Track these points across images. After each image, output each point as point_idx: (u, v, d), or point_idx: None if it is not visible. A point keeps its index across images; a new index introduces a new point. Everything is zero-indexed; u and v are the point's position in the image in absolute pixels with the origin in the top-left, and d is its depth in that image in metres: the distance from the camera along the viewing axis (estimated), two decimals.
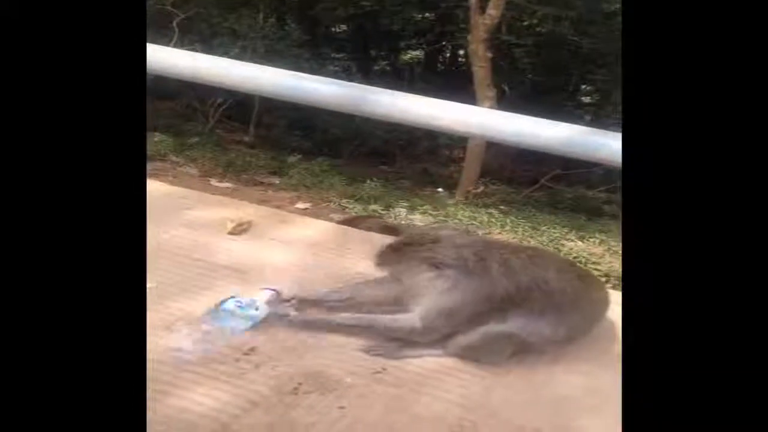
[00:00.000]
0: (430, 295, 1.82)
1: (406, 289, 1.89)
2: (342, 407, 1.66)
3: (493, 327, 1.81)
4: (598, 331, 1.99)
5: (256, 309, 1.92)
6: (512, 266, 1.82)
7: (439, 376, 1.80)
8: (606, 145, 2.06)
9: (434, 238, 1.90)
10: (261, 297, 1.96)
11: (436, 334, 1.83)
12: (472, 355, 1.84)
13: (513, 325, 1.80)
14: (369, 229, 2.78)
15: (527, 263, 1.84)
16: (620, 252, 3.72)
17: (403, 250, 1.90)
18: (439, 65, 7.83)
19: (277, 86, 2.09)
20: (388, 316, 1.90)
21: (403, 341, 1.86)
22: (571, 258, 3.27)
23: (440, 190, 5.17)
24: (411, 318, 1.85)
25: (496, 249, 1.90)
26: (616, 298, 2.39)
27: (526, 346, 1.84)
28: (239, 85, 2.17)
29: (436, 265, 1.81)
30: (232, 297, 1.96)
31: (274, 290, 1.99)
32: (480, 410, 1.70)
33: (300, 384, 1.73)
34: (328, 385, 1.74)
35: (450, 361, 1.85)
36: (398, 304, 1.93)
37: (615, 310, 2.06)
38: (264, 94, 2.25)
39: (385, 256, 1.92)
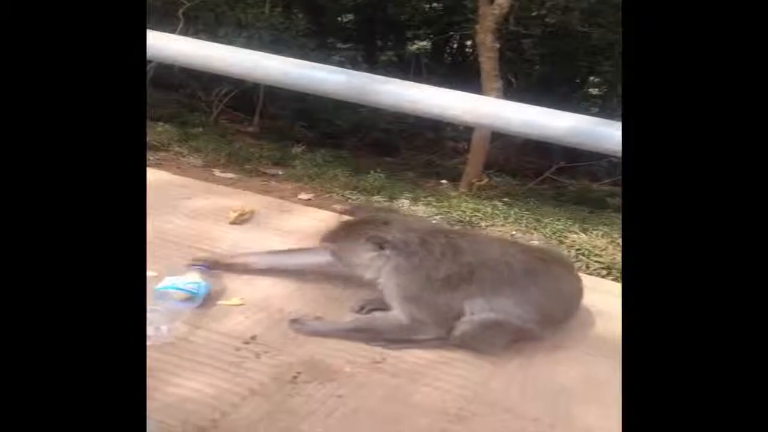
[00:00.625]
0: (370, 274, 1.87)
1: (345, 264, 1.93)
2: (341, 396, 1.67)
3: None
4: (596, 321, 1.99)
5: (195, 285, 1.95)
6: (457, 247, 1.84)
7: (438, 366, 1.81)
8: (615, 135, 2.03)
9: (385, 219, 1.93)
10: (194, 274, 1.99)
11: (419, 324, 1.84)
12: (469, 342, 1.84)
13: (472, 304, 1.82)
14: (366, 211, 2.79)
15: (472, 244, 1.87)
16: None
17: (351, 228, 1.92)
18: (446, 56, 7.76)
19: (284, 75, 2.06)
20: (378, 316, 1.93)
21: (400, 339, 1.87)
22: (574, 250, 3.25)
23: (444, 181, 5.15)
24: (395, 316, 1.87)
25: (443, 233, 1.92)
26: (616, 289, 2.39)
27: (502, 325, 1.84)
28: (245, 74, 2.15)
29: (379, 245, 1.82)
30: (168, 279, 1.96)
31: (203, 265, 2.03)
32: (479, 400, 1.71)
33: (299, 373, 1.74)
34: (327, 374, 1.74)
35: (449, 351, 1.85)
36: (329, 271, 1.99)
37: (611, 302, 2.06)
38: (270, 83, 2.22)
39: (334, 233, 1.95)
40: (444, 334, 1.84)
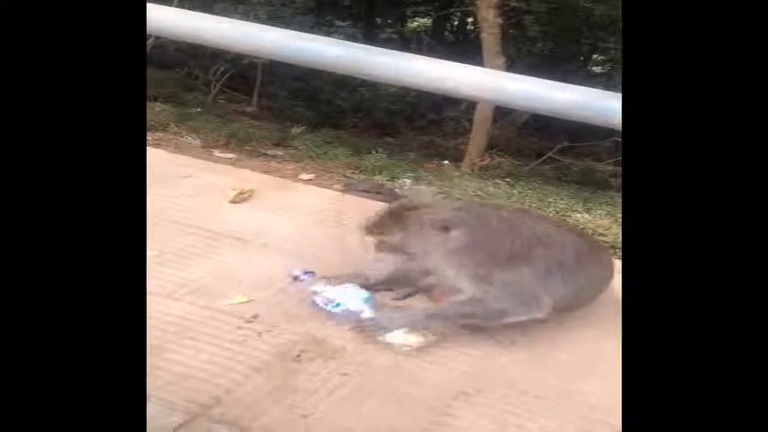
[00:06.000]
0: (453, 262, 1.77)
1: (419, 255, 1.84)
2: (345, 374, 1.65)
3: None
4: (601, 299, 1.97)
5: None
6: (512, 222, 1.80)
7: (442, 344, 1.79)
8: (616, 108, 1.98)
9: (426, 202, 1.88)
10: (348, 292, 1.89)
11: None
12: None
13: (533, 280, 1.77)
14: (367, 192, 2.75)
15: (522, 218, 1.84)
16: None
17: (402, 216, 1.86)
18: (447, 33, 7.64)
19: (280, 47, 2.00)
20: (451, 302, 1.84)
21: (474, 324, 1.80)
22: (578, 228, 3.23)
23: (446, 162, 5.11)
24: (467, 298, 1.79)
25: (484, 208, 1.91)
26: (619, 267, 2.37)
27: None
28: (241, 47, 2.08)
29: (444, 227, 1.78)
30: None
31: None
32: (483, 377, 1.69)
33: (303, 351, 1.72)
34: (330, 352, 1.73)
35: (454, 330, 1.83)
36: (414, 274, 1.88)
37: (617, 279, 2.03)
38: (266, 56, 2.17)
39: (379, 224, 1.88)
40: (534, 315, 1.77)
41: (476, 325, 1.79)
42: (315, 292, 1.88)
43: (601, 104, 1.98)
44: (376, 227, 1.89)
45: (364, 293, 1.88)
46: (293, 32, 2.01)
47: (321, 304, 1.85)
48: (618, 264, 2.13)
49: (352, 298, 1.86)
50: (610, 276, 1.96)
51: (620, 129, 2.21)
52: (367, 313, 1.83)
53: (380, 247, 1.91)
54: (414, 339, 1.75)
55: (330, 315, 1.83)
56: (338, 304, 1.84)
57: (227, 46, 2.08)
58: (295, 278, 1.97)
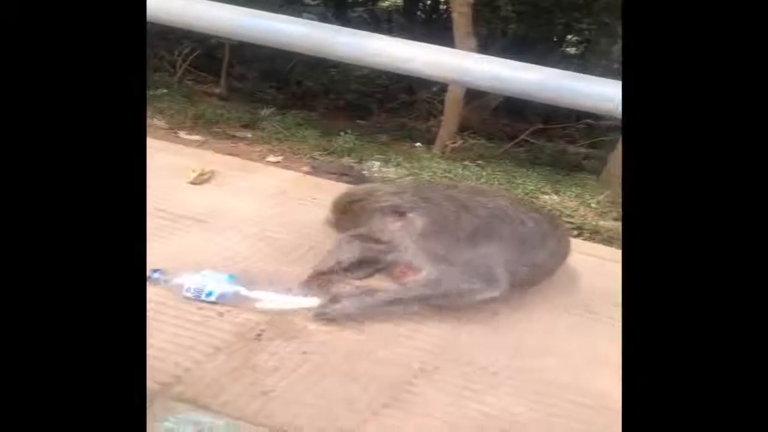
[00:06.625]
0: (413, 245, 1.78)
1: (380, 240, 1.85)
2: (305, 353, 1.65)
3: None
4: (557, 276, 2.00)
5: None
6: (468, 203, 1.79)
7: (403, 323, 1.80)
8: (584, 89, 2.00)
9: (365, 191, 1.86)
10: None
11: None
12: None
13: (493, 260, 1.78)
14: (333, 173, 2.73)
15: (477, 196, 1.83)
16: (594, 206, 3.74)
17: (351, 209, 1.85)
18: (419, 12, 7.59)
19: (238, 26, 1.97)
20: (408, 285, 1.84)
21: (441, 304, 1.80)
22: (545, 211, 3.28)
23: (418, 144, 5.11)
24: (429, 280, 1.79)
25: (437, 188, 1.87)
26: (585, 248, 2.41)
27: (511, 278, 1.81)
28: (197, 25, 2.04)
29: (398, 213, 1.78)
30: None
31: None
32: (443, 354, 1.71)
33: (263, 331, 1.72)
34: (291, 331, 1.72)
35: (414, 309, 1.84)
36: (378, 255, 1.88)
37: (577, 258, 2.07)
38: (225, 35, 2.13)
39: (341, 220, 1.87)
40: (493, 292, 1.78)
41: (435, 306, 1.81)
42: (179, 286, 1.79)
43: (565, 85, 2.00)
44: (341, 223, 1.88)
45: (224, 274, 1.82)
46: (250, 10, 1.97)
47: (194, 297, 1.77)
48: (576, 242, 2.16)
49: (218, 282, 1.79)
50: (567, 252, 1.99)
51: (582, 108, 2.24)
52: (244, 291, 1.79)
53: (342, 231, 1.91)
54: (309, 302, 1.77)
55: (212, 304, 1.75)
56: (211, 293, 1.78)
57: (183, 24, 2.04)
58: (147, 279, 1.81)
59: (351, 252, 1.89)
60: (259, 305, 1.78)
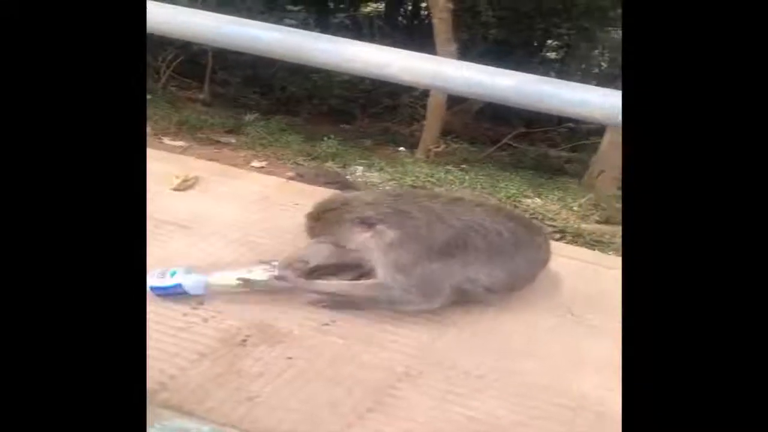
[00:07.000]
0: (380, 255, 1.80)
1: (353, 252, 1.87)
2: (290, 358, 1.66)
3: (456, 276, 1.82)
4: (544, 282, 2.03)
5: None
6: (441, 214, 1.82)
7: (387, 328, 1.81)
8: (560, 94, 2.02)
9: (343, 200, 1.88)
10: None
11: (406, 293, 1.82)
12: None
13: (468, 271, 1.82)
14: (316, 178, 2.73)
15: (452, 208, 1.85)
16: (576, 209, 3.79)
17: (325, 216, 1.87)
18: (400, 18, 7.64)
19: (213, 33, 1.96)
20: (360, 284, 1.88)
21: (387, 306, 1.84)
22: (528, 214, 3.30)
23: (401, 148, 5.14)
24: (380, 284, 1.83)
25: (416, 199, 1.88)
26: (568, 251, 2.45)
27: (475, 293, 1.86)
28: (172, 31, 2.02)
29: (368, 224, 1.79)
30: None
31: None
32: (426, 358, 1.73)
33: (248, 336, 1.72)
34: (276, 337, 1.73)
35: (397, 313, 1.85)
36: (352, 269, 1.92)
37: (560, 262, 2.10)
38: (201, 42, 2.12)
39: (314, 228, 1.89)
40: (430, 305, 1.82)
41: (376, 308, 1.84)
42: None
43: (540, 90, 2.02)
44: (308, 230, 1.90)
45: (172, 269, 1.85)
46: (226, 16, 1.96)
47: (164, 294, 1.81)
48: (558, 245, 2.19)
49: (182, 276, 1.84)
50: (547, 258, 2.02)
51: (558, 113, 2.26)
52: (203, 272, 1.85)
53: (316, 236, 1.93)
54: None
55: (194, 309, 1.79)
56: (175, 272, 1.83)
57: (160, 31, 2.02)
58: None
59: (319, 254, 1.92)
60: (211, 279, 1.83)
